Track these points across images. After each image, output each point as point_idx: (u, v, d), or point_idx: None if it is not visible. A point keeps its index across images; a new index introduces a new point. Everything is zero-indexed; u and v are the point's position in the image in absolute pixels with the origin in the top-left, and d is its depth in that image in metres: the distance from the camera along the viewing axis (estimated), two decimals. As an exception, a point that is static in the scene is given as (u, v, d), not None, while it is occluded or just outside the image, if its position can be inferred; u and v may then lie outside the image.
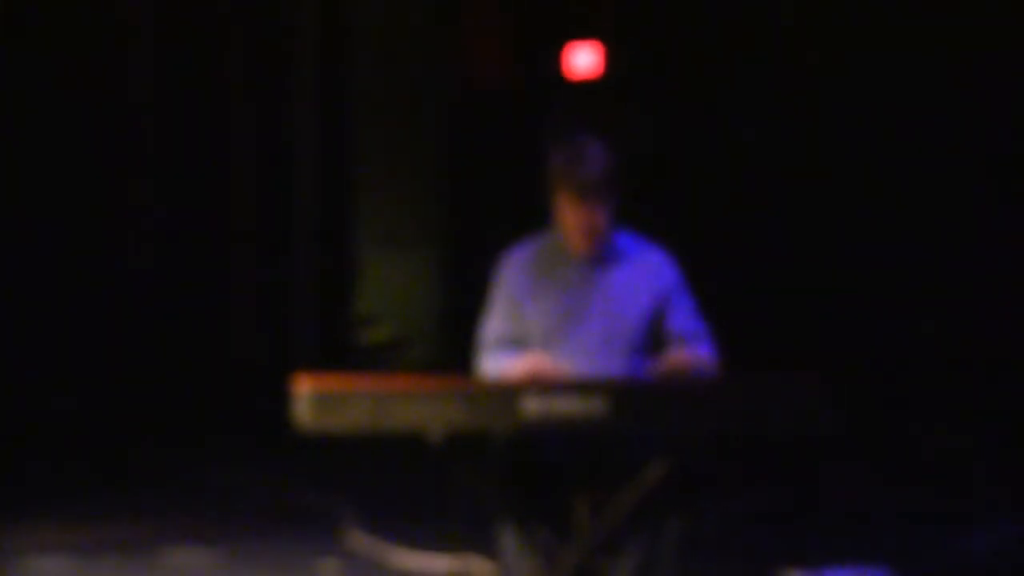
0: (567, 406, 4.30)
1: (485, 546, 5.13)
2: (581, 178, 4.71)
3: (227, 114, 11.28)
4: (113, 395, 10.06)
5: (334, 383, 4.33)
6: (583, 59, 11.25)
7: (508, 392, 4.34)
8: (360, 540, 6.73)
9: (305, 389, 4.31)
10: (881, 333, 10.07)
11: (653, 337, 4.83)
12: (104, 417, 9.76)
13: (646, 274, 4.87)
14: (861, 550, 6.25)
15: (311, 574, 6.24)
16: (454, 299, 11.85)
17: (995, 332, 9.72)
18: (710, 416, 4.32)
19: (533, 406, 4.30)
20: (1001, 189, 10.02)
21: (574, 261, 4.85)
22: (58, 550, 6.56)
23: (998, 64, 9.95)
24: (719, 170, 10.75)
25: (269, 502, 7.73)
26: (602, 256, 4.85)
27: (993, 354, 9.59)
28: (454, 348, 8.49)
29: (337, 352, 11.38)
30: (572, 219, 4.78)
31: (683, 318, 4.84)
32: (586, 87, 11.29)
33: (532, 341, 4.80)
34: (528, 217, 5.24)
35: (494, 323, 4.86)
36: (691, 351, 4.76)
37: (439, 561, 6.29)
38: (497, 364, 4.76)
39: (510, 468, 4.59)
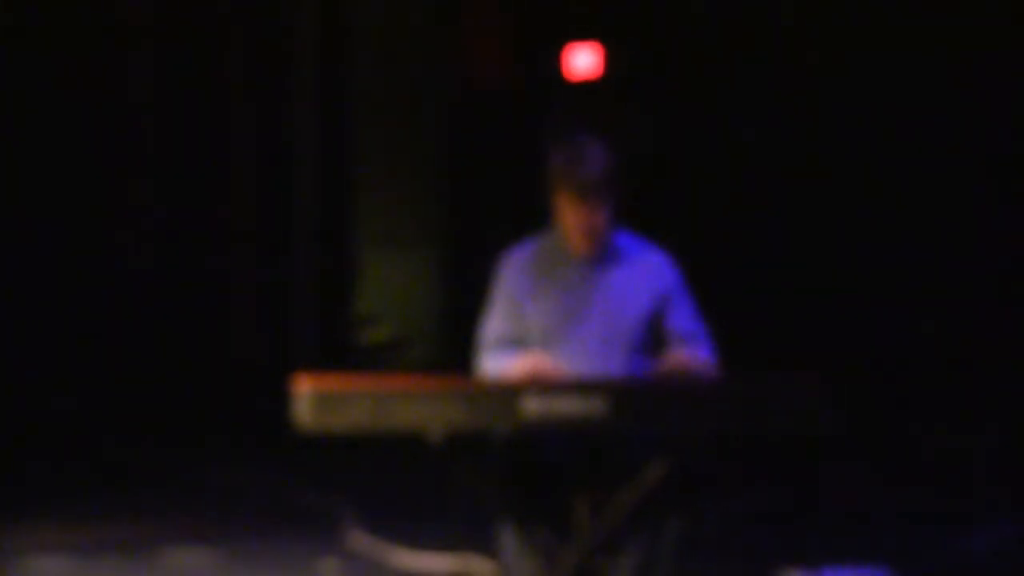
0: (567, 406, 4.31)
1: (485, 546, 5.13)
2: (581, 178, 4.71)
3: (227, 114, 11.28)
4: (113, 395, 10.06)
5: (334, 383, 4.33)
6: (583, 60, 11.26)
7: (508, 392, 4.34)
8: (360, 540, 6.73)
9: (305, 389, 4.31)
10: (881, 333, 10.07)
11: (653, 337, 4.83)
12: (104, 417, 9.76)
13: (646, 274, 4.87)
14: (861, 550, 6.25)
15: (311, 574, 6.24)
16: (454, 299, 11.85)
17: (995, 332, 9.71)
18: (710, 416, 4.32)
19: (533, 406, 4.30)
20: (1001, 189, 10.02)
21: (574, 261, 4.85)
22: (58, 550, 6.56)
23: (998, 64, 9.95)
24: (719, 170, 10.75)
25: (269, 502, 7.73)
26: (602, 256, 4.85)
27: (993, 354, 9.59)
28: (454, 348, 8.50)
29: (337, 352, 11.38)
30: (572, 219, 4.78)
31: (683, 319, 4.84)
32: (586, 88, 11.29)
33: (532, 341, 4.80)
34: (528, 217, 5.24)
35: (494, 323, 4.86)
36: (691, 352, 4.76)
37: (439, 561, 6.29)
38: (497, 364, 4.76)
39: (510, 468, 4.59)
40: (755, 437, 4.40)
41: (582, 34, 11.29)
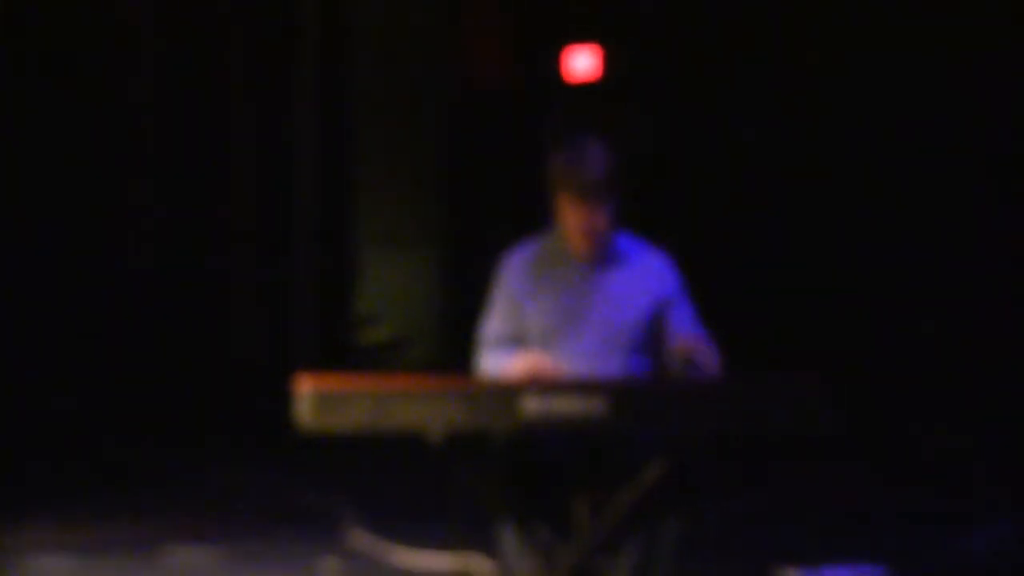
0: (567, 406, 4.31)
1: (485, 545, 5.14)
2: (582, 179, 4.72)
3: (227, 114, 11.27)
4: (113, 395, 10.05)
5: (334, 383, 4.33)
6: (582, 61, 11.27)
7: (508, 392, 4.34)
8: (360, 539, 6.73)
9: (306, 389, 4.32)
10: (881, 333, 10.07)
11: (653, 339, 4.84)
12: (104, 417, 9.76)
13: (646, 277, 4.88)
14: (860, 550, 6.26)
15: (311, 573, 6.24)
16: (454, 299, 11.86)
17: (995, 332, 9.72)
18: (710, 416, 4.33)
19: (533, 406, 4.31)
20: (1001, 189, 10.03)
21: (574, 262, 4.86)
22: (58, 549, 6.56)
23: (998, 64, 9.95)
24: (719, 170, 10.75)
25: (269, 501, 7.74)
26: (602, 257, 4.86)
27: (993, 354, 9.59)
28: (454, 348, 8.50)
29: (337, 352, 11.38)
30: (573, 220, 4.79)
31: (684, 322, 4.85)
32: (585, 89, 11.30)
33: (532, 341, 4.81)
34: (528, 217, 5.25)
35: (494, 323, 4.87)
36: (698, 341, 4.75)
37: (439, 560, 6.29)
38: (496, 362, 4.77)
39: (510, 468, 4.60)
40: (755, 437, 4.41)
41: (581, 35, 11.30)
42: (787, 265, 10.42)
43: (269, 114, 11.38)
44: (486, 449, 4.57)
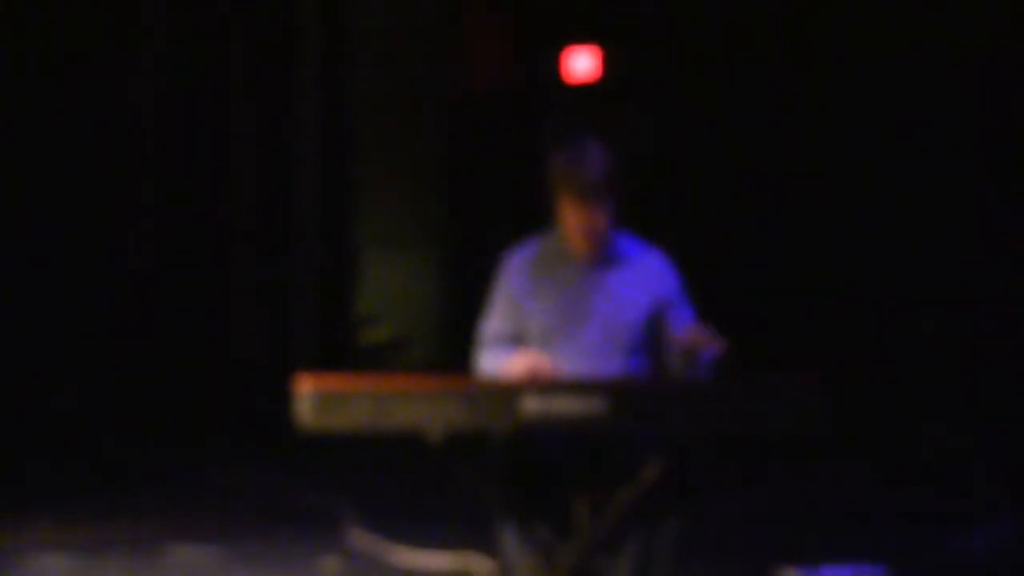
0: (566, 406, 4.31)
1: (485, 544, 5.14)
2: (582, 180, 4.73)
3: (227, 114, 11.28)
4: (113, 395, 10.06)
5: (335, 383, 4.34)
6: (582, 62, 11.28)
7: (508, 392, 4.35)
8: (361, 538, 6.74)
9: (306, 389, 4.32)
10: (881, 333, 10.07)
11: (652, 340, 4.85)
12: (104, 417, 9.76)
13: (646, 277, 4.89)
14: (861, 550, 6.26)
15: (312, 572, 6.24)
16: (454, 299, 11.86)
17: (995, 332, 9.72)
18: (710, 416, 4.33)
19: (532, 406, 4.31)
20: (1001, 189, 10.03)
21: (574, 262, 4.87)
22: (59, 549, 6.57)
23: (998, 64, 9.95)
24: (719, 170, 10.75)
25: (269, 501, 7.74)
26: (602, 257, 4.87)
27: (993, 354, 9.59)
28: (454, 348, 8.50)
29: (337, 352, 11.38)
30: (573, 220, 4.79)
31: (684, 323, 4.85)
32: (584, 90, 11.30)
33: (531, 340, 4.81)
34: (527, 218, 5.25)
35: (493, 321, 4.88)
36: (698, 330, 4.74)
37: (439, 559, 6.29)
38: (495, 361, 4.78)
39: (510, 467, 4.60)
40: (755, 437, 4.41)
41: (581, 36, 11.31)
42: (787, 265, 10.42)
43: (269, 114, 11.39)
44: (486, 449, 4.57)
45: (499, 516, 4.70)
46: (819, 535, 6.82)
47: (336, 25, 11.65)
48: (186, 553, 6.56)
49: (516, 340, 4.82)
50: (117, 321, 10.64)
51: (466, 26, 12.16)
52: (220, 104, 11.22)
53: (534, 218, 5.08)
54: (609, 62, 11.25)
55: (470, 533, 5.84)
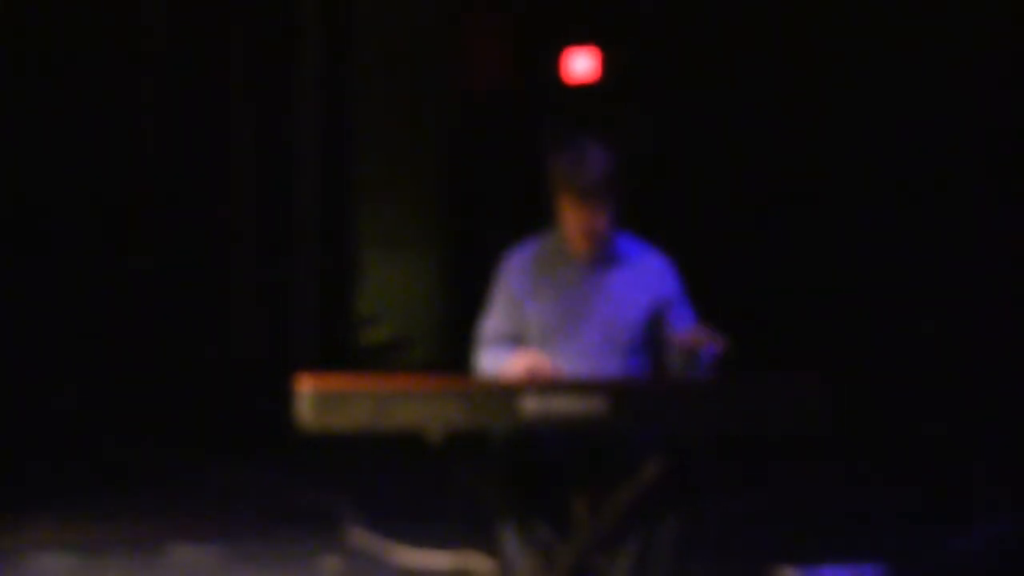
0: (566, 406, 4.32)
1: (485, 544, 5.14)
2: (582, 181, 4.74)
3: (227, 114, 11.28)
4: (113, 395, 10.06)
5: (335, 383, 4.34)
6: (581, 63, 11.28)
7: (507, 392, 4.35)
8: (361, 538, 6.74)
9: (307, 389, 4.32)
10: (881, 333, 10.07)
11: (652, 340, 4.85)
12: (104, 417, 9.76)
13: (646, 278, 4.89)
14: (859, 549, 6.26)
15: (312, 571, 6.24)
16: (454, 299, 11.86)
17: (995, 332, 9.72)
18: (710, 416, 4.33)
19: (532, 406, 4.31)
20: (1001, 189, 10.03)
21: (575, 262, 4.88)
22: (59, 548, 6.57)
23: (998, 64, 9.95)
24: (719, 170, 10.75)
25: (270, 501, 7.74)
26: (602, 258, 4.88)
27: (993, 354, 9.59)
28: (454, 348, 8.50)
29: (338, 352, 11.38)
30: (573, 221, 4.80)
31: (684, 323, 4.86)
32: (584, 90, 11.31)
33: (531, 340, 4.82)
34: (527, 218, 5.25)
35: (493, 321, 4.89)
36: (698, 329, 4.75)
37: (439, 558, 6.30)
38: (494, 360, 4.78)
39: (509, 467, 4.61)
40: (755, 437, 4.41)
41: (580, 37, 11.31)
42: (787, 265, 10.42)
43: (269, 114, 11.38)
44: (486, 449, 4.58)
45: (499, 516, 4.70)
46: (819, 535, 6.82)
47: (336, 25, 11.65)
48: (186, 553, 6.56)
49: (516, 340, 4.82)
50: (117, 321, 10.64)
51: (466, 26, 12.16)
52: (220, 104, 11.22)
53: (534, 218, 5.08)
54: (609, 63, 11.25)
55: (470, 533, 5.85)
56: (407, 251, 12.33)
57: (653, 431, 4.48)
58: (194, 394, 10.26)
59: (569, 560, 4.56)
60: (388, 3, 12.17)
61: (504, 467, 4.60)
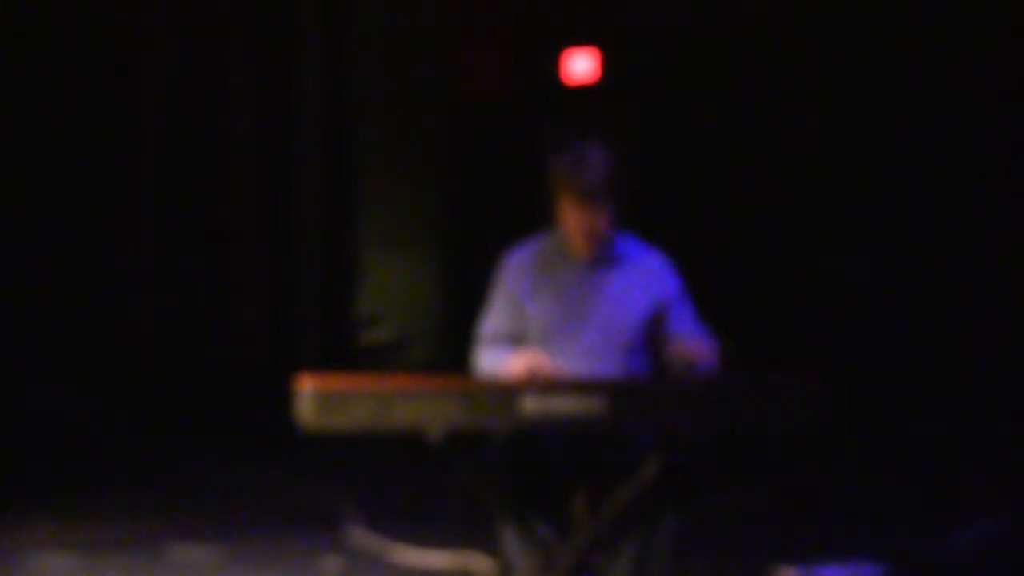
0: (566, 406, 4.32)
1: (485, 543, 5.15)
2: (583, 182, 4.75)
3: (227, 114, 11.28)
4: (113, 395, 10.06)
5: (336, 383, 4.35)
6: (581, 64, 11.29)
7: (507, 391, 4.36)
8: (361, 537, 6.75)
9: (307, 388, 4.33)
10: (881, 333, 10.08)
11: (652, 340, 4.86)
12: (104, 417, 9.76)
13: (646, 278, 4.90)
14: (857, 548, 6.27)
15: (313, 570, 6.25)
16: (454, 299, 11.87)
17: (995, 332, 9.72)
18: (710, 416, 4.34)
19: (532, 405, 4.32)
20: (1001, 189, 10.03)
21: (575, 262, 4.88)
22: (59, 548, 6.57)
23: (998, 64, 9.96)
24: (719, 170, 10.76)
25: (271, 500, 7.75)
26: (602, 258, 4.88)
27: (993, 354, 9.60)
28: (454, 348, 8.51)
29: (338, 352, 11.39)
30: (574, 222, 4.81)
31: (684, 322, 4.87)
32: (584, 91, 11.31)
33: (531, 340, 4.83)
34: (527, 218, 5.26)
35: (493, 320, 4.89)
36: (695, 341, 4.77)
37: (440, 557, 6.30)
38: (494, 360, 4.79)
39: (509, 466, 4.61)
40: (755, 437, 4.42)
41: (580, 39, 11.32)
42: (787, 265, 10.43)
43: (269, 114, 11.39)
44: (486, 448, 4.59)
45: (499, 515, 4.71)
46: (816, 533, 6.82)
47: (336, 25, 11.65)
48: (186, 552, 6.56)
49: (516, 340, 4.83)
50: (117, 321, 10.65)
51: (466, 27, 12.16)
52: (220, 104, 11.22)
53: (534, 218, 5.09)
54: (608, 64, 11.26)
55: (470, 532, 5.86)
56: (407, 251, 12.32)
57: (653, 431, 4.49)
58: (194, 394, 10.26)
59: (569, 559, 4.57)
60: (388, 3, 12.17)
61: (504, 467, 4.61)
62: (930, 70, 10.14)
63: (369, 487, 7.79)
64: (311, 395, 4.32)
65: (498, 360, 4.76)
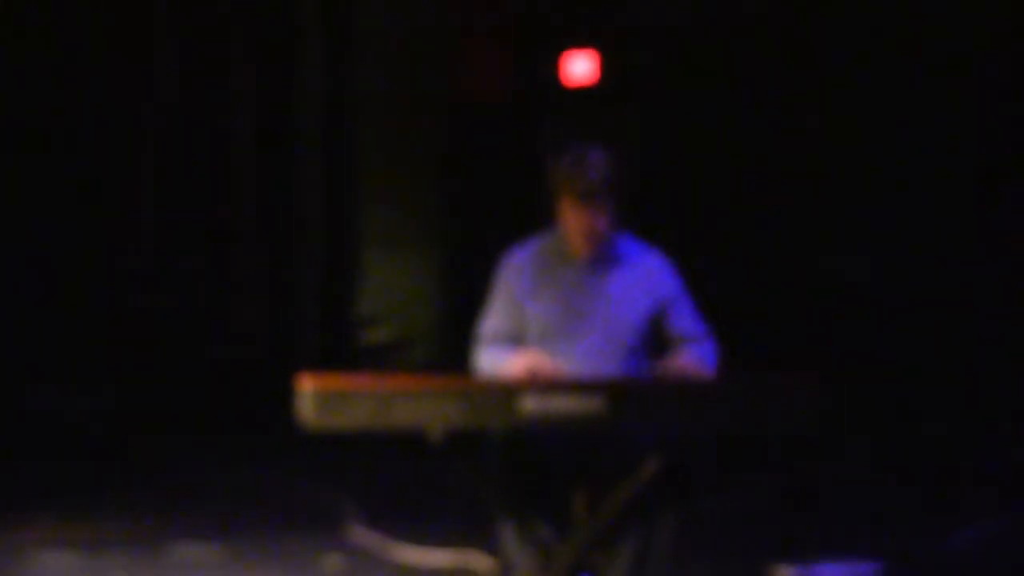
0: (565, 405, 4.33)
1: (485, 542, 5.15)
2: (584, 183, 4.76)
3: (227, 114, 11.28)
4: (113, 395, 10.06)
5: (337, 382, 4.36)
6: (580, 66, 11.30)
7: (507, 391, 4.36)
8: (361, 536, 6.75)
9: (308, 388, 4.34)
10: (881, 333, 10.08)
11: (653, 340, 4.86)
12: (103, 417, 9.77)
13: (646, 278, 4.90)
14: (856, 547, 6.27)
15: (314, 569, 6.25)
16: (454, 300, 11.87)
17: (995, 332, 9.73)
18: (709, 416, 4.34)
19: (531, 405, 4.33)
20: (1001, 190, 10.03)
21: (575, 262, 4.89)
22: (60, 547, 6.57)
23: (998, 64, 9.96)
24: (718, 171, 10.76)
25: (271, 499, 7.75)
26: (603, 259, 4.89)
27: (993, 354, 9.60)
28: (454, 348, 8.51)
29: (339, 352, 11.39)
30: (574, 222, 4.82)
31: (685, 322, 4.88)
32: (583, 93, 11.32)
33: (531, 340, 4.83)
34: (527, 218, 5.27)
35: (492, 320, 4.90)
36: (694, 352, 4.78)
37: (440, 556, 6.30)
38: (494, 359, 4.79)
39: (509, 466, 4.62)
40: (755, 437, 4.42)
41: (579, 40, 11.32)
42: (787, 265, 10.43)
43: (269, 114, 11.39)
44: (485, 447, 4.59)
45: (499, 514, 4.71)
46: (815, 532, 6.82)
47: (336, 25, 11.65)
48: (187, 551, 6.56)
49: (515, 340, 4.83)
50: (117, 321, 10.65)
51: (466, 27, 12.16)
52: (220, 104, 11.23)
53: (534, 218, 5.09)
54: (607, 66, 11.26)
55: (470, 531, 5.86)
56: (407, 251, 12.32)
57: (652, 431, 4.49)
58: (194, 394, 10.27)
59: (568, 558, 4.57)
60: (388, 3, 12.17)
61: (503, 466, 4.61)
62: (930, 70, 10.14)
63: (369, 487, 7.79)
64: (311, 395, 4.33)
65: (498, 360, 4.76)
